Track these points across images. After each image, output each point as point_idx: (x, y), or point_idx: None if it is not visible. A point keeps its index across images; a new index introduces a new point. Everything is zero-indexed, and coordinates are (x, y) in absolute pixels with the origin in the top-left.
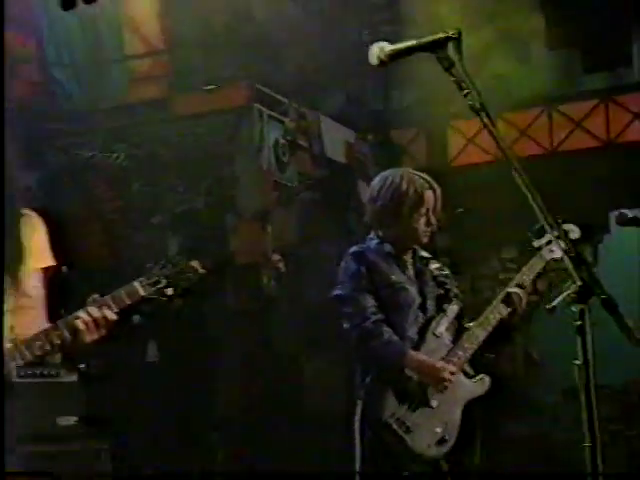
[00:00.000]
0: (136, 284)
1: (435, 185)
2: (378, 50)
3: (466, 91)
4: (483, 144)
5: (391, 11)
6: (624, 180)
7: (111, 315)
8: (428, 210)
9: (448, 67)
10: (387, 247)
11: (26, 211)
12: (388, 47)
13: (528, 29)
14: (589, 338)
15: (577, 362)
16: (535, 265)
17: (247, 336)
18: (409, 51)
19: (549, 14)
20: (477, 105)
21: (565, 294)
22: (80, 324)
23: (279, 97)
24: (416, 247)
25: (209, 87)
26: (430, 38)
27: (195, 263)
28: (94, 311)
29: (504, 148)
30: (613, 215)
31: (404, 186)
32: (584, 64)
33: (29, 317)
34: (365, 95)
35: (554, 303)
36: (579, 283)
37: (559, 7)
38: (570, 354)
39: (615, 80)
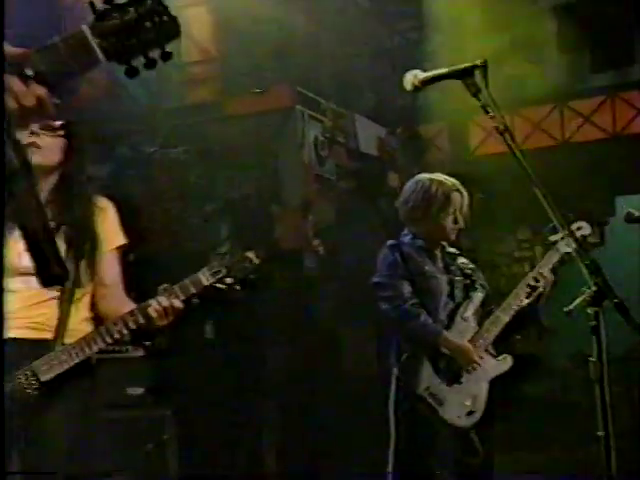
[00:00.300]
0: (200, 275)
1: (462, 188)
2: (412, 77)
3: (491, 114)
4: (500, 137)
5: (418, 19)
6: (628, 168)
7: (178, 304)
8: (455, 210)
9: (475, 93)
10: (419, 242)
11: (97, 198)
12: (421, 75)
13: (541, 34)
14: (603, 337)
15: (592, 359)
16: (552, 257)
17: (291, 312)
18: (440, 78)
19: (560, 20)
20: (501, 127)
21: (581, 298)
22: (153, 312)
23: (318, 99)
24: (444, 244)
25: (257, 90)
26: (460, 67)
27: (251, 254)
28: (164, 300)
29: (525, 166)
30: (619, 203)
31: (433, 189)
32: (592, 64)
33: (109, 297)
34: (394, 94)
35: (571, 307)
36: (594, 288)
37: (568, 14)
38: (577, 324)
39: (620, 78)
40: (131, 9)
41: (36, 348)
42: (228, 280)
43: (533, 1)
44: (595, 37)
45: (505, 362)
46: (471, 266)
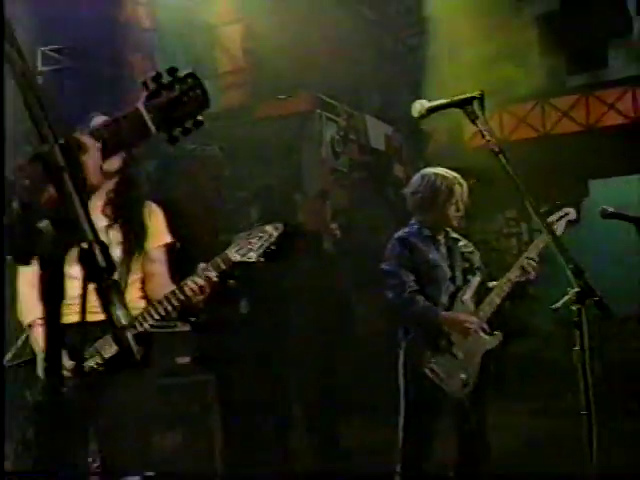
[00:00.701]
0: (228, 252)
1: (462, 180)
2: (419, 106)
3: (487, 138)
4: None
5: (418, 26)
6: (600, 156)
7: (213, 278)
8: (457, 200)
9: (473, 119)
10: (425, 231)
11: (148, 203)
12: (427, 104)
13: (525, 40)
14: (585, 329)
15: (576, 348)
16: (539, 243)
17: (313, 287)
18: (443, 107)
19: (541, 29)
20: (496, 149)
21: (567, 297)
22: (188, 290)
23: (334, 102)
24: (448, 230)
25: (281, 97)
26: (460, 97)
27: (269, 227)
28: (199, 280)
29: (518, 183)
30: (592, 185)
31: (438, 182)
32: (569, 66)
33: (156, 284)
34: (399, 96)
35: (558, 305)
36: (577, 289)
37: (549, 23)
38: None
39: (594, 79)
40: (176, 86)
41: (97, 329)
42: (252, 254)
43: (518, 13)
44: (572, 43)
45: (496, 337)
46: (470, 249)
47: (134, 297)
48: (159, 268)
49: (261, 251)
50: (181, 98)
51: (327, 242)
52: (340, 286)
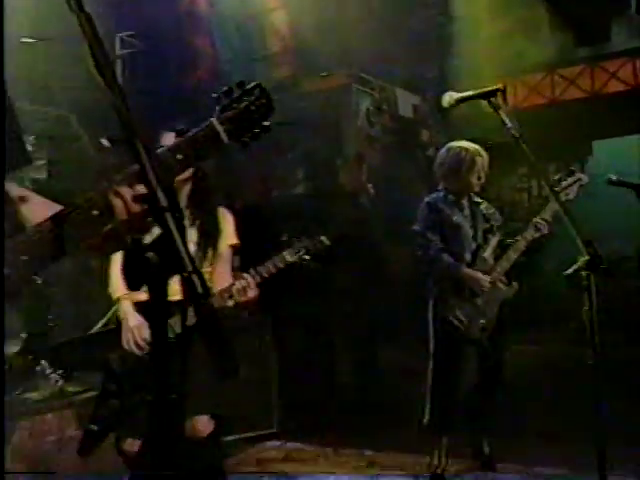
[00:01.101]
0: (285, 254)
1: (483, 152)
2: (448, 97)
3: (508, 125)
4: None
5: (442, 6)
6: (603, 119)
7: (266, 276)
8: (479, 170)
9: (496, 109)
10: (450, 197)
11: (221, 209)
12: (455, 95)
13: (537, 16)
14: (593, 292)
15: (585, 308)
16: (554, 205)
17: (353, 237)
18: (470, 98)
19: (550, 5)
20: (517, 135)
21: (577, 264)
22: (235, 291)
23: (368, 77)
24: (471, 194)
25: (323, 74)
26: (485, 90)
27: (323, 238)
28: (250, 279)
29: (528, 154)
30: (596, 145)
31: (462, 154)
32: (575, 41)
33: (219, 279)
34: (426, 69)
35: (569, 271)
36: (587, 257)
37: (557, 2)
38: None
39: (598, 51)
40: (245, 98)
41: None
42: (306, 257)
43: None
44: (578, 20)
45: (512, 288)
46: (491, 211)
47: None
48: (225, 266)
49: (314, 255)
50: (249, 108)
51: (363, 198)
52: (375, 237)
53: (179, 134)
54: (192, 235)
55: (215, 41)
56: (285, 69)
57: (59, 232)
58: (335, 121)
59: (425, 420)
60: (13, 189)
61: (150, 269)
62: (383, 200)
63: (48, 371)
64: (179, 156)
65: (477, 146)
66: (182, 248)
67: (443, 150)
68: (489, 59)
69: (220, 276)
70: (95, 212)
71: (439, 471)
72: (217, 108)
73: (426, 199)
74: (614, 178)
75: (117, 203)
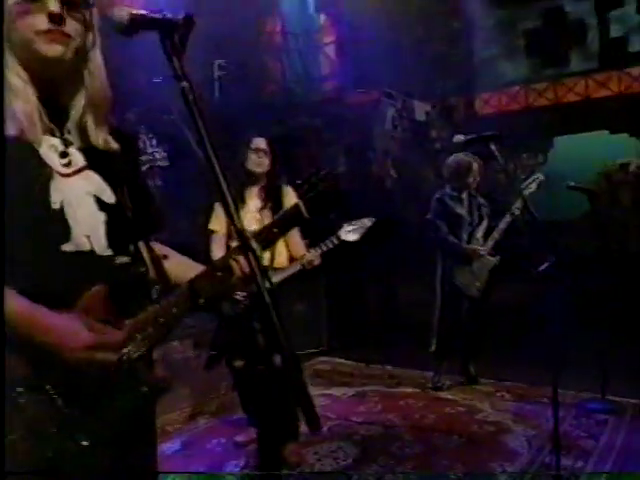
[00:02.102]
0: (340, 233)
1: (479, 160)
2: (457, 138)
3: (498, 158)
4: (491, 108)
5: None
6: (560, 119)
7: (325, 249)
8: (474, 173)
9: (493, 154)
10: (454, 193)
11: (284, 185)
12: (462, 138)
13: (515, 45)
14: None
15: None
16: (521, 200)
17: (377, 208)
18: (474, 140)
19: (527, 38)
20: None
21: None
22: (306, 263)
23: (393, 92)
24: (470, 190)
25: (361, 90)
26: (486, 134)
27: (367, 220)
28: (310, 255)
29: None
30: (556, 140)
31: (462, 162)
32: (544, 63)
33: (295, 248)
34: (435, 84)
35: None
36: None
37: (531, 35)
38: None
39: (560, 71)
40: (320, 184)
41: None
42: (355, 237)
43: (512, 27)
44: (546, 47)
45: (496, 259)
46: (483, 202)
47: (282, 259)
48: (296, 236)
49: (359, 235)
50: (323, 191)
51: (388, 181)
52: (395, 208)
53: (297, 188)
54: (266, 215)
55: (284, 65)
56: (333, 85)
57: (195, 290)
58: (368, 125)
59: (432, 348)
60: (157, 247)
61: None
62: (402, 182)
63: None
64: (275, 230)
65: (473, 156)
66: (262, 285)
67: (450, 159)
68: (481, 76)
69: (295, 246)
70: (218, 273)
71: (439, 385)
72: (300, 192)
73: (436, 195)
74: (572, 184)
75: (235, 266)
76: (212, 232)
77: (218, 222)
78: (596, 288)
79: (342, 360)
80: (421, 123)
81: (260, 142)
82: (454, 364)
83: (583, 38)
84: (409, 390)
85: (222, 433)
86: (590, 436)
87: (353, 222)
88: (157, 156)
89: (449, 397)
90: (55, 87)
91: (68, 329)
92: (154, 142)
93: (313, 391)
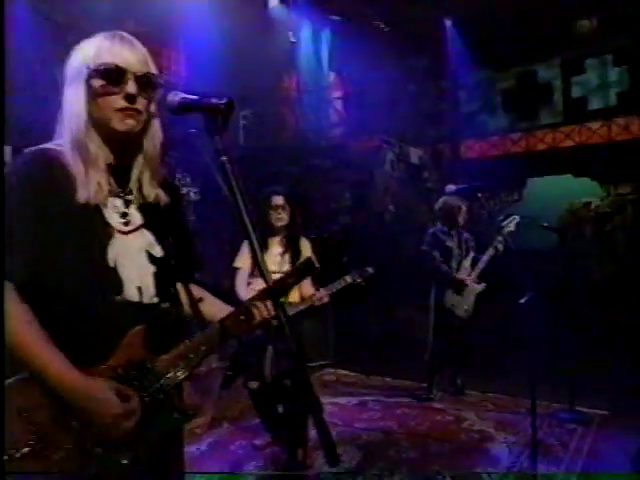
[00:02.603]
0: (347, 277)
1: (465, 203)
2: (449, 189)
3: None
4: (474, 153)
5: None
6: (534, 165)
7: (334, 291)
8: (462, 213)
9: (483, 205)
10: (445, 229)
11: (302, 237)
12: (454, 187)
13: (494, 102)
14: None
15: None
16: (500, 237)
17: (380, 239)
18: (464, 189)
19: (504, 97)
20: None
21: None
22: (316, 300)
23: (391, 140)
24: (458, 228)
25: (363, 137)
26: (473, 185)
27: (369, 269)
28: (325, 292)
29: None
30: (529, 181)
31: (451, 204)
32: (519, 117)
33: (306, 287)
34: (426, 132)
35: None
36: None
37: (508, 95)
38: None
39: (531, 124)
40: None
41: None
42: (359, 280)
43: (493, 87)
44: (519, 104)
45: (482, 285)
46: (469, 237)
47: (295, 297)
48: (307, 280)
49: (364, 279)
50: (334, 245)
51: (387, 214)
52: (393, 239)
53: (313, 240)
54: (286, 259)
55: (298, 114)
56: (341, 133)
57: (225, 328)
58: (370, 166)
59: (425, 364)
60: (194, 289)
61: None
62: (399, 215)
63: None
64: (290, 280)
65: (461, 199)
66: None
67: (440, 200)
68: (465, 127)
69: (305, 286)
70: (242, 317)
71: (431, 396)
72: (314, 244)
73: (430, 230)
74: (545, 224)
75: (255, 312)
76: (237, 269)
77: (242, 260)
78: (564, 311)
79: (346, 372)
80: (415, 165)
81: (278, 200)
82: (443, 377)
83: (550, 98)
84: (406, 400)
85: (242, 437)
86: (562, 443)
87: (358, 270)
88: (192, 196)
89: (439, 407)
90: (122, 153)
91: (100, 396)
92: (188, 180)
93: (321, 400)
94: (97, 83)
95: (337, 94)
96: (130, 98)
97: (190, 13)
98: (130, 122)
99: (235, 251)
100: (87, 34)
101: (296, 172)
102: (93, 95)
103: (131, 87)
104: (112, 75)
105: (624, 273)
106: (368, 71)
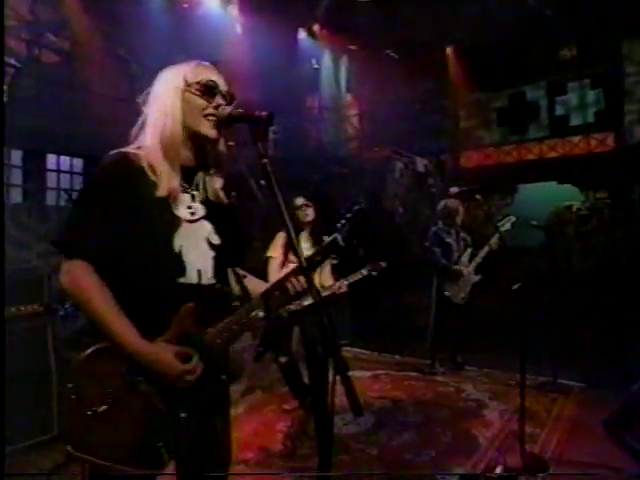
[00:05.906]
0: (363, 270)
1: (462, 205)
2: (452, 189)
3: (478, 198)
4: (472, 163)
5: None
6: (524, 173)
7: (351, 281)
8: (460, 214)
9: (481, 205)
10: (445, 227)
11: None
12: (456, 189)
13: (490, 118)
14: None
15: None
16: (496, 236)
17: (389, 235)
18: (464, 192)
19: (498, 115)
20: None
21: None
22: (337, 288)
23: (401, 151)
24: (456, 226)
25: (376, 149)
26: (472, 188)
27: (383, 263)
28: (339, 284)
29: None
30: (520, 187)
31: (451, 206)
32: (510, 131)
33: (326, 277)
34: (431, 144)
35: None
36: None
37: (501, 113)
38: None
39: (522, 138)
40: (353, 218)
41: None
42: (373, 273)
43: (488, 105)
44: (510, 120)
45: (478, 277)
46: (465, 235)
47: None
48: (326, 269)
49: (377, 272)
50: (355, 225)
51: (396, 216)
52: (402, 235)
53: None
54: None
55: (320, 129)
56: (356, 145)
57: (267, 299)
58: (382, 174)
59: (427, 343)
60: (240, 271)
61: None
62: (407, 216)
63: None
64: (318, 257)
65: (459, 202)
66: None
67: (441, 203)
68: (465, 140)
69: (325, 276)
70: (279, 291)
71: (434, 371)
72: (338, 227)
73: (432, 228)
74: (534, 223)
75: (289, 286)
76: (270, 257)
77: (275, 250)
78: (549, 299)
79: (361, 350)
80: (421, 173)
81: (301, 200)
82: (445, 355)
83: (538, 115)
84: (412, 374)
85: (273, 402)
86: (545, 410)
87: (372, 263)
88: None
89: (442, 380)
90: (197, 155)
91: (164, 357)
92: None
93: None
94: (194, 94)
95: (353, 112)
96: (218, 109)
97: (231, 45)
98: (215, 130)
99: (264, 246)
100: (145, 66)
101: (318, 178)
102: (187, 104)
103: (219, 100)
104: (209, 88)
105: (601, 266)
106: (380, 92)
